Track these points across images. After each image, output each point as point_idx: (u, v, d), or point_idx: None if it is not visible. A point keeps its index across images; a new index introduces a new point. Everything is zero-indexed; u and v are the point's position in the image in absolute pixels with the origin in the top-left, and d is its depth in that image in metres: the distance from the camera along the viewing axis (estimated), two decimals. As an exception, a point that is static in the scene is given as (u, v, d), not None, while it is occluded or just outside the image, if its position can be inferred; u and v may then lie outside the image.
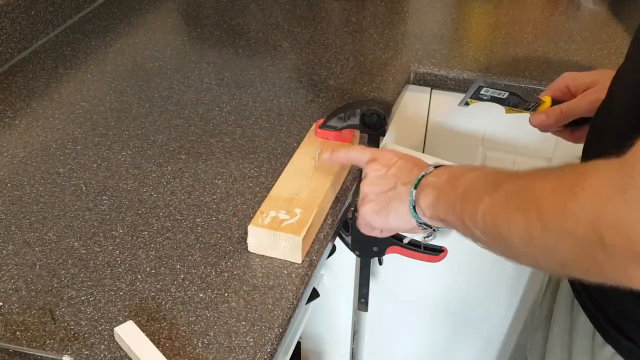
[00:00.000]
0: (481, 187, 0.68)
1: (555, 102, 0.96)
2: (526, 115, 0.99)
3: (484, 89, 0.92)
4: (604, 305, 0.77)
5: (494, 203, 0.64)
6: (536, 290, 1.23)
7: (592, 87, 0.94)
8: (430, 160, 0.83)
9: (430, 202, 0.75)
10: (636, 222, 0.50)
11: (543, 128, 0.97)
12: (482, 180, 0.69)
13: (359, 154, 0.87)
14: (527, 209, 0.60)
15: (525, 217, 0.59)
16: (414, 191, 0.76)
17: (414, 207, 0.77)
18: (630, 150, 0.52)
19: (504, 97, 0.94)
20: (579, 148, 1.39)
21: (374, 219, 0.82)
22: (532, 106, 0.96)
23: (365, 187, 0.83)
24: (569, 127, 0.97)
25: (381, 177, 0.81)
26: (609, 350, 0.76)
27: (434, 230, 0.80)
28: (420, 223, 0.78)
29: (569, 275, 0.60)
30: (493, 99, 0.94)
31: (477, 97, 0.93)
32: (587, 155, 0.84)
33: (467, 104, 0.95)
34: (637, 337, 0.73)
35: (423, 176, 0.77)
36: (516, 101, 0.95)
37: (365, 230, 0.86)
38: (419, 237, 0.87)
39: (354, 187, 1.00)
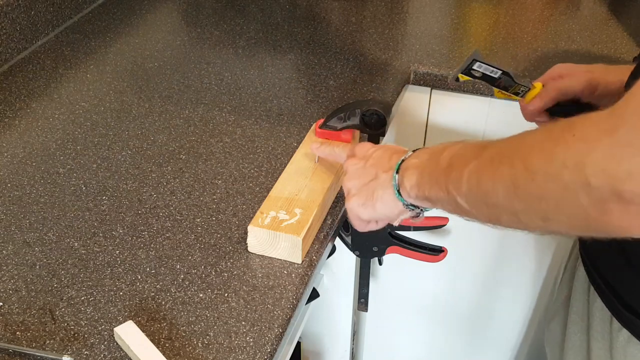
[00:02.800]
0: (467, 154, 0.68)
1: None
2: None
3: (477, 63, 0.90)
4: (619, 289, 0.78)
5: (480, 164, 0.65)
6: (538, 291, 1.23)
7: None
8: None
9: (414, 182, 0.75)
10: (622, 161, 0.50)
11: (534, 112, 0.96)
12: (467, 149, 0.69)
13: (339, 150, 0.89)
14: (513, 160, 0.60)
15: (511, 168, 0.60)
16: (397, 175, 0.77)
17: (398, 190, 0.77)
18: (621, 98, 0.53)
19: (497, 75, 0.91)
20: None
21: (361, 211, 0.82)
22: (522, 91, 0.95)
23: (347, 183, 0.83)
24: (556, 117, 0.96)
25: (360, 169, 0.82)
26: (624, 333, 0.78)
27: (421, 210, 0.80)
28: (406, 205, 0.78)
29: (549, 230, 0.60)
30: (484, 77, 0.92)
31: (469, 72, 0.91)
32: None
33: (457, 79, 0.93)
34: None
35: (403, 160, 0.77)
36: (507, 83, 0.93)
37: (358, 225, 0.86)
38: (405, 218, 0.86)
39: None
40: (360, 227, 0.86)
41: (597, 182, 0.52)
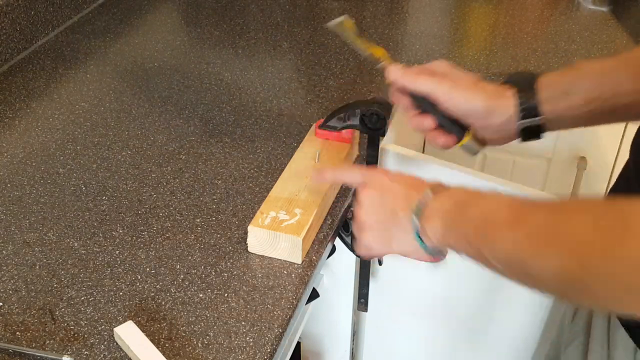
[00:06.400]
0: (501, 219, 0.64)
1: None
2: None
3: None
4: None
5: (519, 239, 0.60)
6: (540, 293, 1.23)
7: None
8: (428, 168, 0.80)
9: (439, 233, 0.71)
10: None
11: (397, 91, 0.87)
12: (500, 212, 0.64)
13: (348, 175, 0.85)
14: (562, 250, 0.56)
15: (561, 260, 0.56)
16: (416, 220, 0.73)
17: (418, 235, 0.73)
18: None
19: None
20: (579, 150, 1.39)
21: (374, 246, 0.80)
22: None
23: (362, 215, 0.79)
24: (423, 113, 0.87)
25: (376, 203, 0.77)
26: None
27: (443, 255, 0.76)
28: (427, 250, 0.74)
29: (598, 307, 0.59)
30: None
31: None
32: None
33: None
34: None
35: (422, 203, 0.73)
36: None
37: (364, 255, 0.84)
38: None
39: (354, 187, 1.00)
40: (366, 256, 0.84)
41: None
